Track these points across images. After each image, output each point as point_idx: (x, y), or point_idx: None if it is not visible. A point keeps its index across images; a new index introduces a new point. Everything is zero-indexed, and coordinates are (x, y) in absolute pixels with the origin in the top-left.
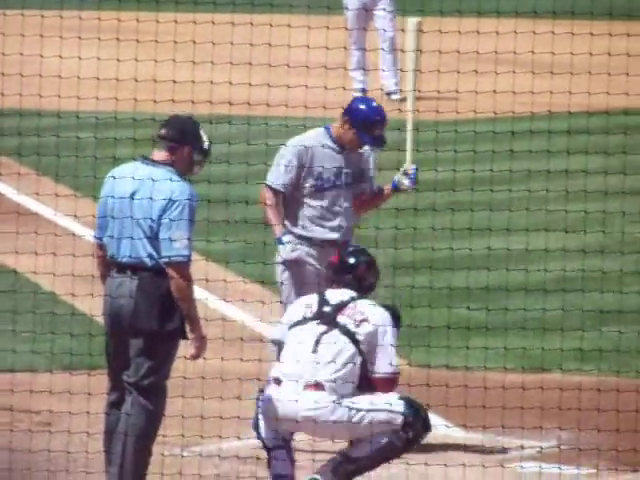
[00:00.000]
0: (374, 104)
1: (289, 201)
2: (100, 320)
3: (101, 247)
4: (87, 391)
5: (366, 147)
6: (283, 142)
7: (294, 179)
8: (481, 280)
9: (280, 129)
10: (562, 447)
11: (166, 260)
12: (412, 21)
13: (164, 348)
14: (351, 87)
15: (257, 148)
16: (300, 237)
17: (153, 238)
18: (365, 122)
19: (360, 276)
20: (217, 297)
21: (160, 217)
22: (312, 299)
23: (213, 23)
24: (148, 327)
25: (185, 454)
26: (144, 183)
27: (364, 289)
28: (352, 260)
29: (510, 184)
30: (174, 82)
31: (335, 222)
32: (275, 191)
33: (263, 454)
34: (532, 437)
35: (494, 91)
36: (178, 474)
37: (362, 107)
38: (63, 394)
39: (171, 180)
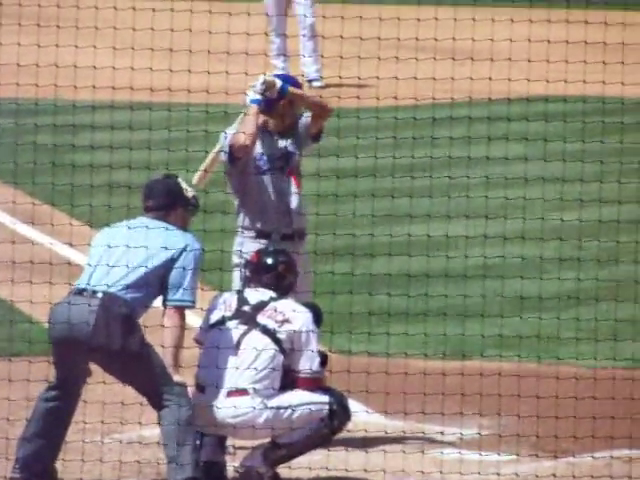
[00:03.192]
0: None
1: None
2: (21, 307)
3: None
4: (8, 378)
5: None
6: (204, 129)
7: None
8: (402, 267)
9: (201, 116)
10: (482, 433)
11: (175, 304)
12: None
13: (140, 364)
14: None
15: (178, 135)
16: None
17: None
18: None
19: (279, 276)
20: None
21: (172, 263)
22: (231, 298)
23: (134, 9)
24: (111, 345)
25: (106, 441)
26: (158, 231)
27: (282, 289)
28: (271, 260)
29: (431, 171)
30: (95, 68)
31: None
32: None
33: None
34: (452, 424)
35: (415, 78)
36: (99, 461)
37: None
38: None
39: (184, 231)
